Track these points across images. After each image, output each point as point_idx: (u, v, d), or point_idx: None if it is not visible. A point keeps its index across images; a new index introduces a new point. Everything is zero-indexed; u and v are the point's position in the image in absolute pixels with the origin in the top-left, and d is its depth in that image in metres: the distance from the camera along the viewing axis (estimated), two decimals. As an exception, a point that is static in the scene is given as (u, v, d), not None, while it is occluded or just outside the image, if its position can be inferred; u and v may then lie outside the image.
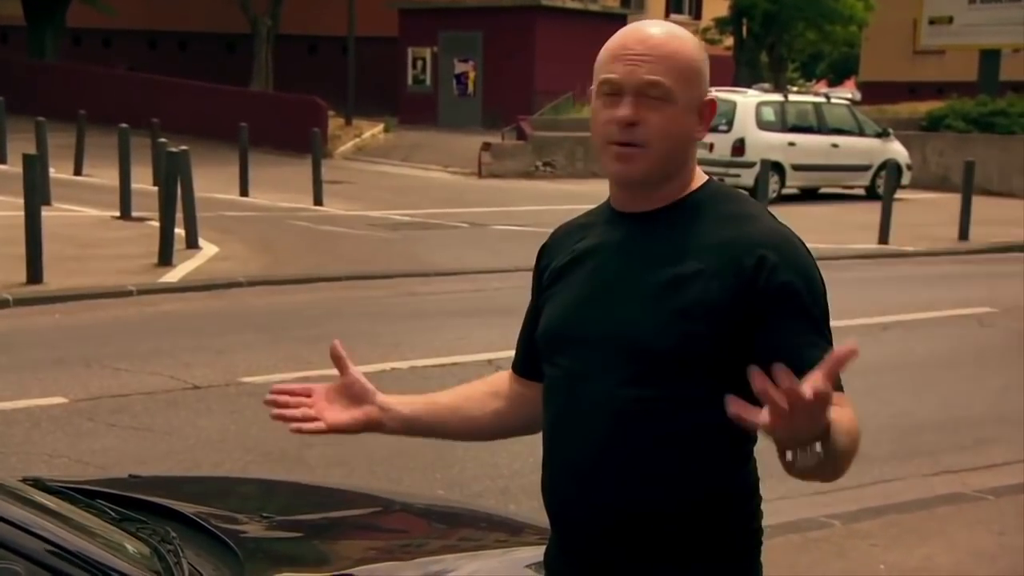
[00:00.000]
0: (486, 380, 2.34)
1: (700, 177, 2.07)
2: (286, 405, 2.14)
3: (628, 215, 2.05)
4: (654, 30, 2.01)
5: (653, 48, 1.97)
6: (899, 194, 18.54)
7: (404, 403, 2.23)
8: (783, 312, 1.93)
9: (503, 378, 2.31)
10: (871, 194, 21.45)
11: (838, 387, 1.92)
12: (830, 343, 1.96)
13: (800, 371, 1.89)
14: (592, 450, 2.00)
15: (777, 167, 20.00)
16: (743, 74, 32.69)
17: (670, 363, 1.94)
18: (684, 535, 1.98)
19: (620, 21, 30.83)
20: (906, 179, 21.93)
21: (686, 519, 1.98)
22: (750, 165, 19.66)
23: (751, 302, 1.92)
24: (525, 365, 2.25)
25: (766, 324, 1.93)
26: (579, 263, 2.08)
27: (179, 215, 12.68)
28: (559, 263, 2.12)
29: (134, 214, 15.30)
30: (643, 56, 1.96)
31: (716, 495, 1.98)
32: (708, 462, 1.97)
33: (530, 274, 2.28)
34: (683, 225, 2.00)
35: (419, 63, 32.84)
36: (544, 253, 2.20)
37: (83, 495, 2.56)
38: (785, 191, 20.89)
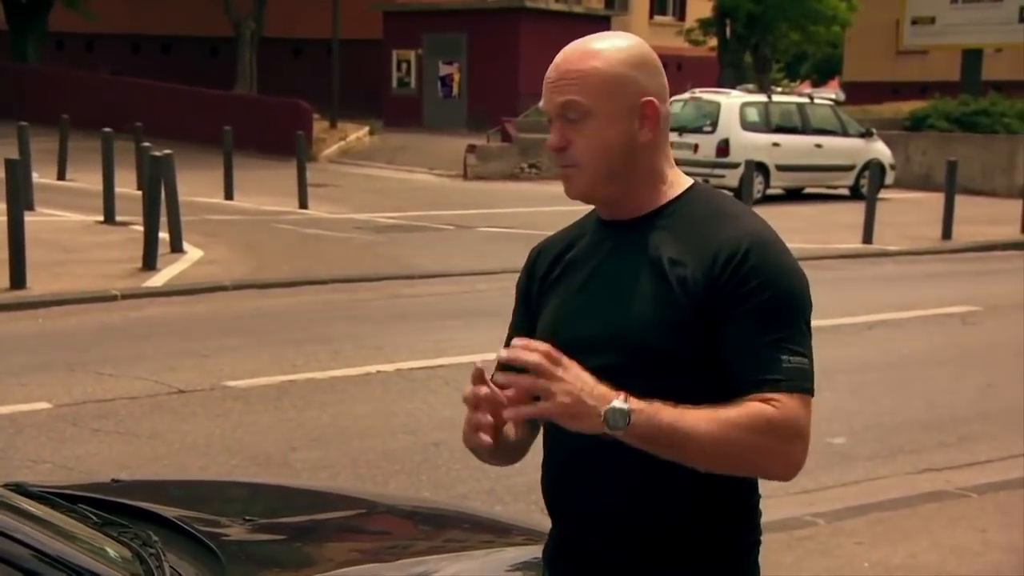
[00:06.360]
0: None
1: (683, 181, 2.09)
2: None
3: (615, 222, 2.09)
4: (569, 51, 2.05)
5: (565, 72, 2.03)
6: (883, 194, 18.60)
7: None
8: (749, 310, 1.95)
9: None
10: (855, 194, 21.51)
11: (792, 388, 1.92)
12: (801, 346, 1.95)
13: (757, 370, 1.92)
14: (594, 451, 2.00)
15: (761, 167, 20.07)
16: (727, 75, 32.71)
17: (665, 357, 1.97)
18: (684, 537, 2.00)
19: (603, 23, 30.90)
20: (889, 179, 22.00)
21: (686, 520, 2.00)
22: (734, 166, 19.71)
23: (720, 296, 1.95)
24: None
25: (733, 321, 1.95)
26: (573, 272, 2.11)
27: (163, 219, 12.64)
28: (553, 274, 2.14)
29: (118, 218, 15.24)
30: (556, 81, 2.04)
31: (716, 494, 1.99)
32: None
33: (515, 276, 2.26)
34: (669, 228, 2.03)
35: (404, 65, 32.82)
36: (536, 259, 2.20)
37: (65, 500, 2.55)
38: (769, 191, 20.94)
